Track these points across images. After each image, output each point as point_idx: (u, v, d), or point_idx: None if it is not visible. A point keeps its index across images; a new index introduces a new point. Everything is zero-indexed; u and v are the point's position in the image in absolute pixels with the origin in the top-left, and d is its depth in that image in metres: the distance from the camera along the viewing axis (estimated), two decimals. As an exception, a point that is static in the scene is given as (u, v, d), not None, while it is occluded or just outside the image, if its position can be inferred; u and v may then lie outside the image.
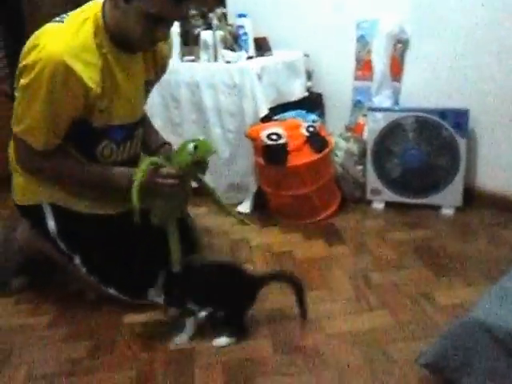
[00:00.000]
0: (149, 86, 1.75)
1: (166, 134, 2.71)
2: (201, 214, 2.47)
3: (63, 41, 1.42)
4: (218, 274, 1.59)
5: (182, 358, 1.51)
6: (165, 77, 2.60)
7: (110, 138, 1.60)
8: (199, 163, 1.54)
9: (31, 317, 1.76)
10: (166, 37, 1.57)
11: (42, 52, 1.39)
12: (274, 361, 1.47)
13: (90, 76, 1.44)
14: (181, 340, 1.57)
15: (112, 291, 1.70)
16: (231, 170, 2.54)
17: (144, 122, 1.82)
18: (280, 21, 2.92)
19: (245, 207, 2.51)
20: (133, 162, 1.67)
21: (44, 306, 1.81)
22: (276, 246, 2.18)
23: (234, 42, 2.61)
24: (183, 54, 2.68)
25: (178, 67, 2.61)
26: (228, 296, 1.55)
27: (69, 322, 1.72)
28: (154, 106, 2.71)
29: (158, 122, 2.73)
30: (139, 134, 1.74)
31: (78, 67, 1.41)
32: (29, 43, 1.45)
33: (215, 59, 2.57)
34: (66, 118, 1.50)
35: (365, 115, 2.50)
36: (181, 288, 1.54)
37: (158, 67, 1.74)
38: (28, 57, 1.42)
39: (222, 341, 1.55)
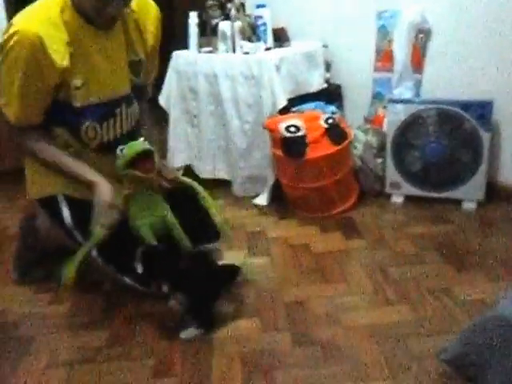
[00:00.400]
0: (138, 67, 1.69)
1: (184, 126, 2.74)
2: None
3: (31, 18, 1.48)
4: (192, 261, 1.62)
5: (200, 348, 1.52)
6: (183, 68, 2.64)
7: (91, 117, 1.60)
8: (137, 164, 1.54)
9: (51, 305, 1.78)
10: (118, 12, 1.55)
11: (12, 29, 1.45)
12: (292, 353, 1.47)
13: (54, 49, 1.47)
14: (187, 334, 1.57)
15: (128, 281, 1.71)
16: (248, 162, 2.52)
17: (137, 103, 1.76)
18: (299, 11, 2.89)
19: (262, 199, 2.50)
20: (120, 142, 1.63)
21: (63, 296, 1.83)
22: (293, 239, 2.16)
23: (252, 32, 2.59)
24: (201, 45, 2.66)
25: (196, 58, 2.60)
26: (197, 284, 1.58)
27: (87, 312, 1.73)
28: (172, 97, 2.72)
29: (175, 113, 2.74)
30: (123, 112, 1.69)
31: (45, 41, 1.45)
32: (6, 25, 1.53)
33: (233, 50, 2.55)
34: (34, 92, 1.53)
35: (385, 107, 2.47)
36: (159, 268, 1.56)
37: (147, 46, 1.70)
38: (3, 36, 1.49)
39: (189, 332, 1.56)
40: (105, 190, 1.56)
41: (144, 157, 1.54)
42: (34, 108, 1.57)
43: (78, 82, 1.54)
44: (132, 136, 1.70)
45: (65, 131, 1.63)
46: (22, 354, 1.54)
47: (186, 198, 1.94)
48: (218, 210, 1.76)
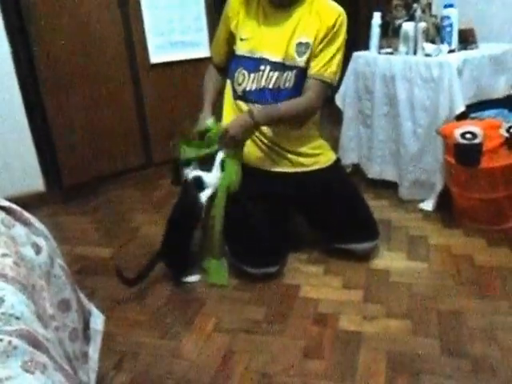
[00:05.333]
0: (304, 48, 1.90)
1: (356, 125, 2.82)
2: (381, 207, 2.50)
3: None
4: None
5: (349, 338, 1.61)
6: (361, 69, 2.70)
7: (243, 65, 1.98)
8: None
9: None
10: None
11: None
12: (440, 362, 1.48)
13: (233, 7, 1.98)
14: (190, 279, 1.98)
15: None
16: (417, 166, 2.50)
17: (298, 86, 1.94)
18: (491, 10, 2.73)
19: (428, 205, 2.47)
20: (258, 95, 1.96)
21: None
22: (456, 249, 2.11)
23: (436, 34, 2.53)
24: (381, 46, 2.69)
25: (375, 59, 2.64)
26: None
27: (251, 288, 1.92)
28: (348, 97, 2.80)
29: (349, 113, 2.82)
30: (265, 72, 1.94)
31: (231, 3, 1.99)
32: None
33: (414, 52, 2.53)
34: (220, 35, 2.07)
35: None
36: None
37: (319, 33, 1.88)
38: None
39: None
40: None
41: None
42: (218, 49, 2.10)
43: (243, 35, 1.97)
44: (265, 94, 1.96)
45: (230, 80, 2.04)
46: (194, 314, 1.78)
47: (346, 188, 2.08)
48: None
